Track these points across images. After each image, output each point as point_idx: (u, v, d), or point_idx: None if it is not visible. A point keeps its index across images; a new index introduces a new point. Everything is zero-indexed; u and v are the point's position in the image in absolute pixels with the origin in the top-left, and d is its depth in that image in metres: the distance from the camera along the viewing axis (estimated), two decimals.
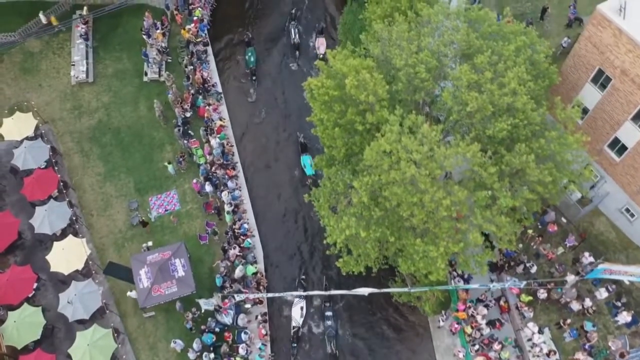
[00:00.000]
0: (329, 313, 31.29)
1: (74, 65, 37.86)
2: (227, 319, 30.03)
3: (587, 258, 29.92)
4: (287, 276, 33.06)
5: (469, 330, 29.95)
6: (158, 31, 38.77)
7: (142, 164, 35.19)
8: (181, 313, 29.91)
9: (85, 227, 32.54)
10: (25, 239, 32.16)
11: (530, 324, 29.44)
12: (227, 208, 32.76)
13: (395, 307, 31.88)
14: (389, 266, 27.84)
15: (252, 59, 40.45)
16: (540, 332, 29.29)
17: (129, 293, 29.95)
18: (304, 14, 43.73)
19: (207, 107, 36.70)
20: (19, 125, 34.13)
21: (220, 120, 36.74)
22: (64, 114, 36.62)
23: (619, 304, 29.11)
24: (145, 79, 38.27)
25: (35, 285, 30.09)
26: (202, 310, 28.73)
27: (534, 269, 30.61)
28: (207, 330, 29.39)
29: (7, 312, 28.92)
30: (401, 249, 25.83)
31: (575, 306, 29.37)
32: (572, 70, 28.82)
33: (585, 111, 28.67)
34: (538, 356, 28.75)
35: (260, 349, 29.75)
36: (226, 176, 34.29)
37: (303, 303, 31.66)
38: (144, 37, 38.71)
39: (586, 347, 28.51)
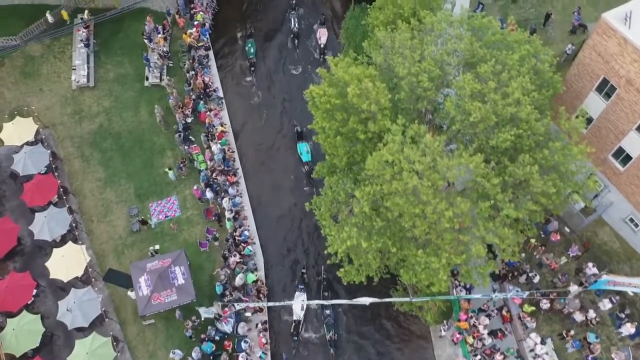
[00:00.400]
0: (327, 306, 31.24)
1: (75, 69, 37.66)
2: (227, 327, 29.82)
3: (590, 268, 29.64)
4: (287, 284, 32.80)
5: (470, 340, 29.68)
6: (159, 35, 38.53)
7: (143, 170, 35.00)
8: (181, 321, 29.72)
9: (85, 234, 32.37)
10: (25, 245, 31.99)
11: (533, 335, 29.16)
12: (227, 215, 32.57)
13: (396, 315, 31.57)
14: (390, 275, 27.56)
15: (252, 50, 40.71)
16: (543, 342, 28.99)
17: (129, 293, 29.80)
18: (305, 4, 43.84)
19: (208, 113, 36.51)
20: (19, 130, 33.98)
21: (222, 125, 36.54)
22: (64, 118, 36.45)
23: (622, 315, 28.84)
24: (146, 83, 38.08)
25: (34, 292, 29.93)
26: (202, 319, 28.34)
27: (536, 279, 30.35)
28: (207, 338, 29.17)
29: (6, 320, 28.74)
30: (403, 259, 25.62)
31: (579, 317, 29.11)
32: (577, 78, 28.60)
33: (589, 120, 28.44)
34: None
35: (260, 357, 29.54)
36: (227, 182, 34.08)
37: (304, 296, 31.52)
38: (146, 41, 38.56)
39: (589, 358, 28.23)
